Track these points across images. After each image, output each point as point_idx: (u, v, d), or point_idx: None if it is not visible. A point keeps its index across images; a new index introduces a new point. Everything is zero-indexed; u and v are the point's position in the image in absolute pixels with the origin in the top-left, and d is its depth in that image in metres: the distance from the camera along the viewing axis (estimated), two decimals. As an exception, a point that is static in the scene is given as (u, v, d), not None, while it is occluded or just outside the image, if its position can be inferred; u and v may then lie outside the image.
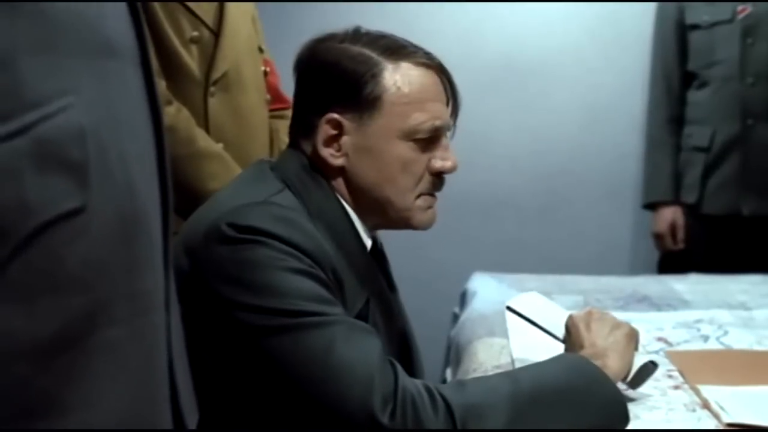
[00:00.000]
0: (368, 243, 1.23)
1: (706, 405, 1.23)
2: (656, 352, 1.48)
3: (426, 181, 1.21)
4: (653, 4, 2.82)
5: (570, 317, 1.27)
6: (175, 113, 1.54)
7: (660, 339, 1.60)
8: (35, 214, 0.43)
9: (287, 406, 1.01)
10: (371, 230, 1.24)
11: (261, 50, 1.78)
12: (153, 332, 0.51)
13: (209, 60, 1.60)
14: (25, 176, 0.43)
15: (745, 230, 2.62)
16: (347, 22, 1.23)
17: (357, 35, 1.20)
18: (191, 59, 1.58)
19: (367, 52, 1.17)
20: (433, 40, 1.34)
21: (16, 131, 0.43)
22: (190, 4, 1.58)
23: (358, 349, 1.01)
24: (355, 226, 1.20)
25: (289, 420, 1.02)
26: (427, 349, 1.50)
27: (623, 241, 3.10)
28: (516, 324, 1.46)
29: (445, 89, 1.22)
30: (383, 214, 1.21)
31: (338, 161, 1.18)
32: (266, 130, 1.77)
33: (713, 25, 2.63)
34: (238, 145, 1.64)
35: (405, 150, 1.18)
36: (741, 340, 1.60)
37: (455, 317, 2.08)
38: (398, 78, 1.17)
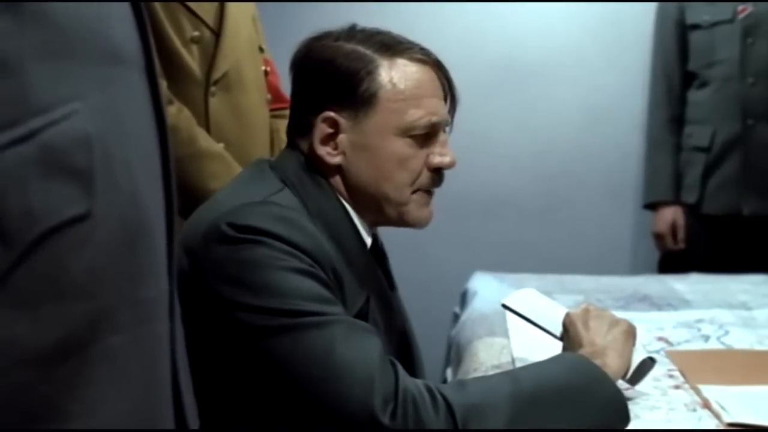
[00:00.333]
0: (368, 241, 1.23)
1: (706, 405, 1.23)
2: (657, 352, 1.48)
3: (424, 177, 1.21)
4: (654, 5, 2.82)
5: (567, 315, 1.27)
6: (176, 113, 1.54)
7: (661, 339, 1.60)
8: (40, 220, 0.43)
9: (288, 406, 1.01)
10: (371, 228, 1.24)
11: (261, 50, 1.78)
12: (156, 340, 0.51)
13: (210, 60, 1.60)
14: (30, 182, 0.43)
15: (745, 230, 2.62)
16: (347, 22, 1.23)
17: (352, 33, 1.20)
18: (192, 59, 1.58)
19: (362, 49, 1.17)
20: (434, 40, 1.33)
21: (21, 137, 0.43)
22: (191, 4, 1.58)
23: (358, 348, 1.01)
24: (355, 225, 1.20)
25: (290, 420, 1.02)
26: (428, 348, 1.50)
27: (624, 241, 3.10)
28: (516, 323, 1.46)
29: (442, 85, 1.22)
30: (380, 210, 1.21)
31: (335, 159, 1.18)
32: (267, 130, 1.77)
33: (714, 25, 2.63)
34: (238, 144, 1.64)
35: (402, 146, 1.18)
36: (742, 339, 1.60)
37: (456, 317, 2.08)
38: (394, 74, 1.17)
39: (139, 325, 0.49)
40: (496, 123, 3.06)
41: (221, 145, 1.61)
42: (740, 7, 2.60)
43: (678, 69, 2.71)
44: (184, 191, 1.50)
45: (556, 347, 1.28)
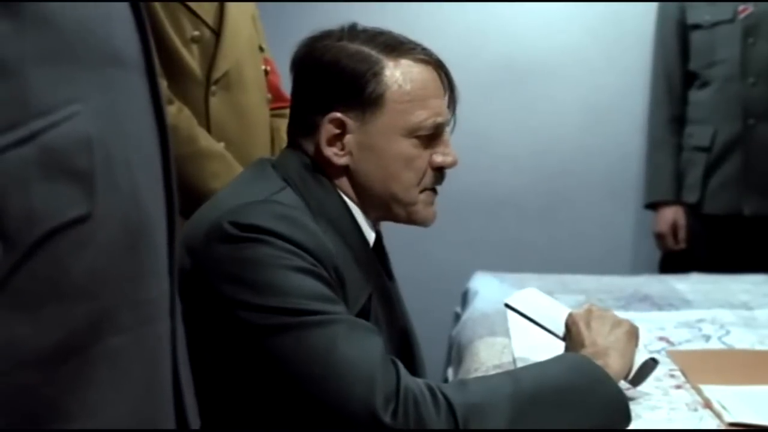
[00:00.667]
0: (371, 237, 1.23)
1: (708, 404, 1.23)
2: (658, 352, 1.47)
3: (428, 176, 1.22)
4: (654, 4, 2.82)
5: (570, 315, 1.27)
6: (176, 113, 1.54)
7: (662, 338, 1.60)
8: (41, 221, 0.43)
9: (289, 405, 1.01)
10: (375, 223, 1.25)
11: (261, 49, 1.78)
12: (157, 341, 0.51)
13: (210, 59, 1.60)
14: (31, 184, 0.43)
15: (746, 230, 2.62)
16: (347, 22, 1.23)
17: (354, 33, 1.20)
18: (192, 59, 1.58)
19: (367, 49, 1.17)
20: (434, 40, 1.33)
21: (22, 139, 0.43)
22: (191, 4, 1.58)
23: (360, 347, 1.01)
24: (357, 222, 1.20)
25: (291, 419, 1.02)
26: (429, 348, 1.50)
27: (625, 241, 3.10)
28: (518, 323, 1.46)
29: (443, 84, 1.23)
30: (389, 209, 1.22)
31: (342, 160, 1.18)
32: (267, 129, 1.77)
33: (714, 24, 2.63)
34: (239, 144, 1.64)
35: (408, 147, 1.19)
36: (743, 339, 1.60)
37: (457, 317, 2.08)
38: (399, 75, 1.17)
39: (140, 326, 0.49)
40: (497, 123, 3.06)
41: (222, 144, 1.61)
42: (741, 7, 2.60)
43: (679, 69, 2.71)
44: (184, 191, 1.50)
45: (557, 347, 1.27)
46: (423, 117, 1.18)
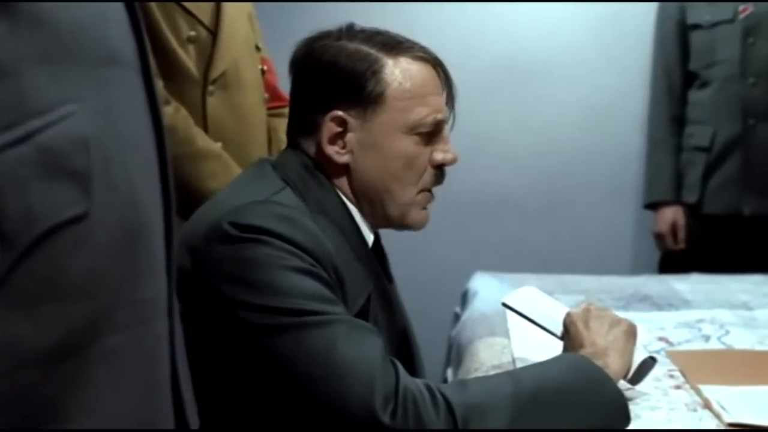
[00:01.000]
0: (370, 238, 1.23)
1: (707, 405, 1.23)
2: (657, 352, 1.47)
3: (428, 175, 1.23)
4: (654, 5, 2.82)
5: (568, 315, 1.27)
6: (173, 113, 1.53)
7: (661, 339, 1.60)
8: (38, 221, 0.43)
9: (288, 406, 1.01)
10: (372, 229, 1.25)
11: (258, 49, 1.78)
12: (155, 340, 0.51)
13: (207, 59, 1.60)
14: (29, 183, 0.43)
15: (746, 230, 2.62)
16: (347, 22, 1.23)
17: (352, 32, 1.20)
18: (189, 59, 1.58)
19: (366, 48, 1.18)
20: (435, 40, 1.34)
21: (19, 139, 0.43)
22: (187, 4, 1.57)
23: (359, 348, 1.01)
24: (356, 223, 1.20)
25: (291, 419, 1.02)
26: (429, 348, 1.50)
27: (624, 241, 3.10)
28: (517, 324, 1.46)
29: (441, 82, 1.24)
30: (383, 209, 1.22)
31: (343, 158, 1.18)
32: (265, 129, 1.77)
33: (714, 25, 2.63)
34: (237, 143, 1.64)
35: (408, 144, 1.19)
36: (742, 339, 1.60)
37: (456, 317, 2.08)
38: (399, 73, 1.18)
39: (138, 325, 0.49)
40: (497, 123, 3.06)
41: (219, 144, 1.61)
42: (741, 7, 2.60)
43: (679, 69, 2.71)
44: (182, 191, 1.50)
45: (556, 347, 1.27)
46: (423, 114, 1.19)
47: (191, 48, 1.59)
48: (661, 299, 1.95)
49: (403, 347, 1.30)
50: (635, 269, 2.90)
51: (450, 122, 1.26)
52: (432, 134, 1.21)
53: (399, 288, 1.37)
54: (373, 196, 1.21)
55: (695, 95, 2.69)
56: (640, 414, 1.19)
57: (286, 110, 1.27)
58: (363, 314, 1.15)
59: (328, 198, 1.18)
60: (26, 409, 0.44)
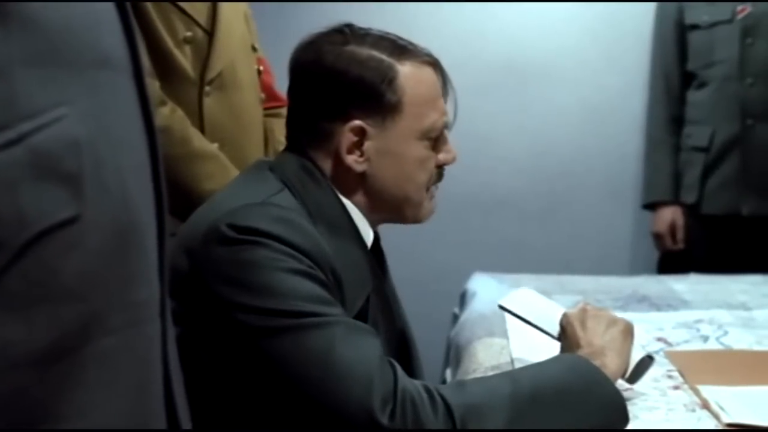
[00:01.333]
0: (369, 239, 1.23)
1: (705, 405, 1.23)
2: (656, 352, 1.47)
3: (433, 175, 1.24)
4: (653, 5, 2.82)
5: (565, 315, 1.27)
6: (169, 114, 1.53)
7: (660, 339, 1.60)
8: (30, 224, 0.43)
9: (287, 407, 1.01)
10: (374, 225, 1.25)
11: (254, 49, 1.78)
12: (147, 342, 0.51)
13: (204, 60, 1.60)
14: (20, 186, 0.43)
15: (744, 230, 2.62)
16: (345, 22, 1.22)
17: (358, 35, 1.19)
18: (185, 59, 1.58)
19: (377, 54, 1.17)
20: (433, 40, 1.34)
21: (10, 141, 0.43)
22: (183, 4, 1.57)
23: (357, 349, 1.01)
24: (355, 224, 1.20)
25: (289, 420, 1.02)
26: (427, 349, 1.50)
27: (623, 242, 3.10)
28: (516, 324, 1.46)
29: (442, 84, 1.24)
30: (399, 211, 1.24)
31: (361, 167, 1.18)
32: (261, 129, 1.77)
33: (713, 25, 2.63)
34: (234, 144, 1.64)
35: (421, 149, 1.21)
36: (741, 340, 1.60)
37: (455, 318, 2.07)
38: (411, 79, 1.18)
39: (131, 327, 0.49)
40: (495, 124, 3.06)
41: (216, 145, 1.61)
42: (739, 7, 2.60)
43: (677, 69, 2.71)
44: (178, 192, 1.50)
45: (555, 348, 1.28)
46: (435, 118, 1.20)
47: (187, 48, 1.58)
48: (660, 300, 1.95)
49: (401, 348, 1.30)
50: (634, 269, 2.90)
51: (451, 122, 1.27)
52: (438, 137, 1.23)
53: (398, 288, 1.37)
54: (390, 201, 1.21)
55: (694, 95, 2.69)
56: (638, 414, 1.19)
57: (283, 110, 1.27)
58: (362, 315, 1.15)
59: (326, 200, 1.18)
60: (18, 410, 0.44)
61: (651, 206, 2.77)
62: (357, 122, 1.16)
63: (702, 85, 2.67)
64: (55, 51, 0.46)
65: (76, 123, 0.46)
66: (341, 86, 1.17)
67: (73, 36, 0.47)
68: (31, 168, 0.43)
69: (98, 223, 0.46)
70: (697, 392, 1.28)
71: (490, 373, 1.31)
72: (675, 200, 2.70)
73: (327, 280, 1.07)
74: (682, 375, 1.37)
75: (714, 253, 2.62)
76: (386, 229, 1.31)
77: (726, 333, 1.65)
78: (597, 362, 1.14)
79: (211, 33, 1.61)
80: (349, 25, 1.21)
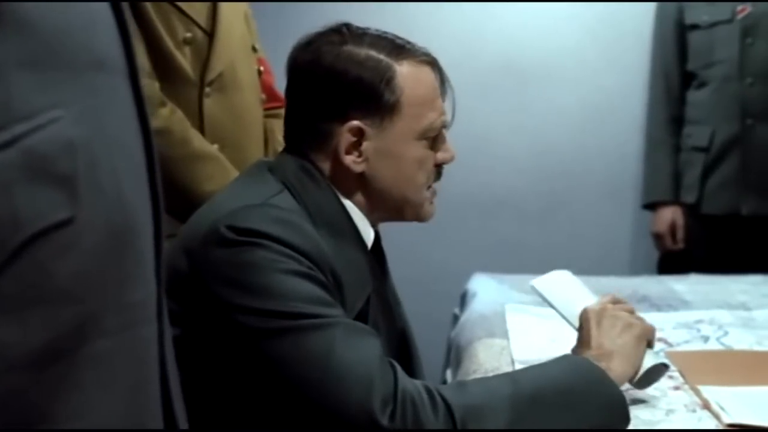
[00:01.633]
0: (370, 240, 1.23)
1: (706, 405, 1.23)
2: (657, 353, 1.48)
3: (432, 174, 1.24)
4: (653, 5, 2.82)
5: (584, 310, 1.25)
6: (169, 115, 1.53)
7: (660, 339, 1.59)
8: (24, 225, 0.43)
9: (287, 408, 1.01)
10: (374, 224, 1.25)
11: (255, 49, 1.78)
12: (143, 344, 0.51)
13: (204, 61, 1.60)
14: (15, 188, 0.43)
15: (744, 230, 2.62)
16: (338, 21, 1.22)
17: (356, 35, 1.19)
18: (185, 60, 1.58)
19: (375, 54, 1.17)
20: (433, 40, 1.33)
21: (5, 143, 0.43)
22: (182, 5, 1.57)
23: (357, 350, 1.01)
24: (355, 225, 1.20)
25: (289, 422, 1.02)
26: (428, 350, 1.50)
27: (623, 242, 3.10)
28: (516, 325, 1.45)
29: (440, 83, 1.24)
30: (399, 211, 1.23)
31: (360, 167, 1.18)
32: (261, 130, 1.77)
33: (713, 25, 2.63)
34: (234, 145, 1.64)
35: (420, 149, 1.20)
36: (741, 340, 1.60)
37: (455, 318, 2.07)
38: (409, 79, 1.18)
39: (126, 329, 0.49)
40: (495, 124, 3.06)
41: (216, 146, 1.61)
42: (739, 7, 2.60)
43: (677, 69, 2.71)
44: (178, 193, 1.50)
45: (556, 348, 1.27)
46: (433, 118, 1.20)
47: (187, 49, 1.58)
48: (660, 300, 1.95)
49: (402, 349, 1.30)
50: (634, 270, 2.90)
51: (450, 121, 1.27)
52: (436, 136, 1.22)
53: (398, 289, 1.37)
54: (389, 201, 1.21)
55: (693, 95, 2.69)
56: (638, 414, 1.19)
57: (283, 111, 1.27)
58: (362, 316, 1.15)
59: (326, 201, 1.18)
60: (14, 412, 0.44)
61: (651, 206, 2.77)
62: (355, 123, 1.16)
63: (702, 85, 2.66)
64: (50, 53, 0.46)
65: (71, 124, 0.46)
66: (339, 87, 1.16)
67: (69, 37, 0.47)
68: (25, 170, 0.43)
69: (93, 225, 0.46)
70: (697, 392, 1.28)
71: (491, 374, 1.30)
72: (675, 200, 2.70)
73: (327, 282, 1.07)
74: (682, 375, 1.37)
75: (714, 253, 2.62)
76: (386, 230, 1.31)
77: (726, 333, 1.64)
78: (602, 364, 1.13)
79: (211, 34, 1.61)
80: (347, 25, 1.21)
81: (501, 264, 2.53)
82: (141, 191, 0.52)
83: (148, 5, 1.52)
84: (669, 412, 1.22)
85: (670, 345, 1.57)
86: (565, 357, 1.20)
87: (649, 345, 1.24)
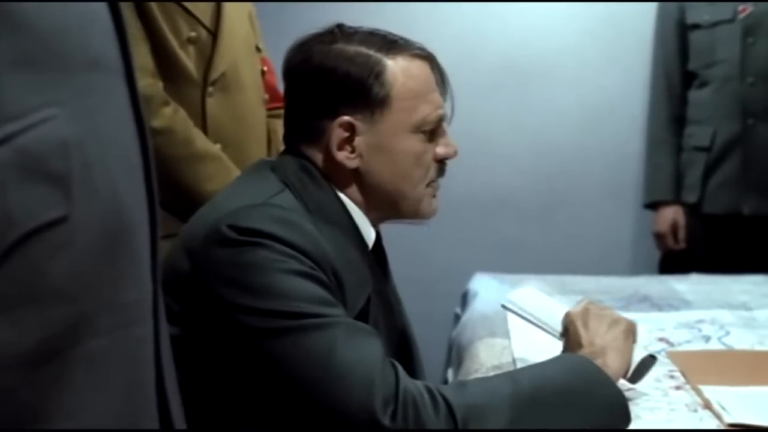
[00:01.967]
0: (371, 239, 1.23)
1: (707, 405, 1.23)
2: (658, 353, 1.47)
3: (432, 170, 1.24)
4: (654, 5, 2.82)
5: (567, 314, 1.27)
6: (172, 114, 1.53)
7: (661, 339, 1.60)
8: (17, 224, 0.43)
9: (288, 408, 1.01)
10: (375, 224, 1.24)
11: (258, 49, 1.78)
12: (138, 343, 0.51)
13: (207, 60, 1.60)
14: (8, 186, 0.43)
15: (746, 230, 2.62)
16: (345, 22, 1.23)
17: (347, 34, 1.20)
18: (189, 59, 1.58)
19: (365, 50, 1.17)
20: (434, 40, 1.33)
21: None
22: (187, 4, 1.57)
23: (359, 350, 1.01)
24: (356, 224, 1.20)
25: (290, 422, 1.02)
26: (429, 349, 1.50)
27: (624, 241, 3.10)
28: (517, 324, 1.46)
29: (437, 77, 1.24)
30: (396, 208, 1.23)
31: (353, 163, 1.18)
32: (264, 130, 1.77)
33: (714, 24, 2.63)
34: (236, 145, 1.64)
35: (415, 143, 1.20)
36: (742, 340, 1.60)
37: (456, 318, 2.07)
38: (400, 73, 1.18)
39: (119, 329, 0.49)
40: (496, 123, 3.06)
41: (218, 146, 1.61)
42: (740, 6, 2.60)
43: (678, 69, 2.71)
44: (180, 193, 1.51)
45: (557, 348, 1.27)
46: (427, 111, 1.20)
47: (191, 49, 1.58)
48: (661, 300, 1.95)
49: (402, 348, 1.30)
50: (635, 270, 2.90)
51: (448, 117, 1.27)
52: (434, 130, 1.22)
53: (399, 289, 1.37)
54: (385, 197, 1.21)
55: (695, 95, 2.69)
56: (640, 414, 1.19)
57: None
58: (363, 316, 1.15)
59: (327, 200, 1.18)
60: (7, 411, 0.44)
61: (652, 206, 2.77)
62: (345, 118, 1.16)
63: (703, 84, 2.66)
64: (45, 52, 0.46)
65: (65, 124, 0.46)
66: (329, 83, 1.17)
67: (65, 37, 0.47)
68: (18, 168, 0.43)
69: (87, 224, 0.46)
70: (699, 392, 1.28)
71: (492, 374, 1.31)
72: (676, 200, 2.70)
73: (328, 281, 1.07)
74: (684, 375, 1.36)
75: (715, 252, 2.62)
76: (388, 229, 1.31)
77: (728, 333, 1.64)
78: (598, 362, 1.14)
79: (214, 33, 1.61)
80: (340, 25, 1.21)
81: (502, 263, 2.53)
82: (136, 191, 0.52)
83: (153, 5, 1.52)
84: (670, 411, 1.21)
85: (671, 345, 1.57)
86: (564, 356, 1.20)
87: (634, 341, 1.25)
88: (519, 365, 1.35)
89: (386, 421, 0.97)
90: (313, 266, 1.06)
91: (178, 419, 0.56)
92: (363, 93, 1.16)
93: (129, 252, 0.50)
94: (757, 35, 2.58)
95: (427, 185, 1.24)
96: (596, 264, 2.80)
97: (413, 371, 1.26)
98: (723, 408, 1.20)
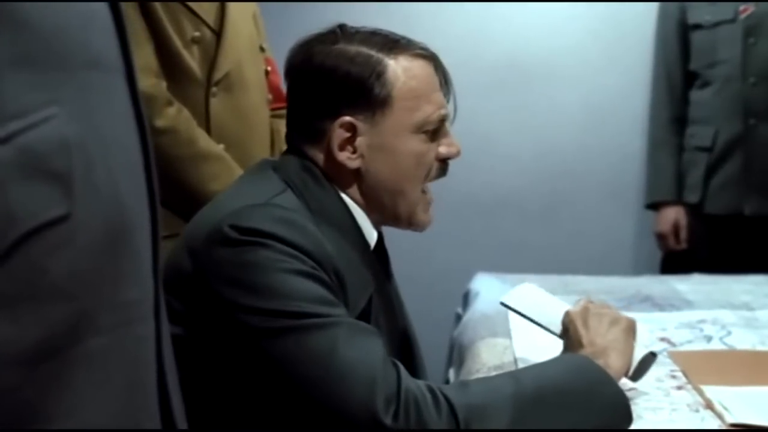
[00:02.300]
0: (373, 239, 1.23)
1: (709, 405, 1.23)
2: (659, 353, 1.47)
3: (434, 169, 1.23)
4: (655, 5, 2.82)
5: (567, 313, 1.27)
6: (175, 114, 1.53)
7: (663, 339, 1.60)
8: (19, 222, 0.43)
9: (290, 408, 1.01)
10: (376, 226, 1.25)
11: (262, 49, 1.78)
12: (138, 342, 0.51)
13: (211, 60, 1.60)
14: (9, 185, 0.43)
15: (747, 230, 2.61)
16: (348, 22, 1.23)
17: (348, 34, 1.20)
18: (192, 59, 1.58)
19: (366, 50, 1.17)
20: (436, 40, 1.33)
21: None
22: (192, 4, 1.57)
23: (360, 350, 1.01)
24: (358, 224, 1.20)
25: (292, 421, 1.02)
26: (430, 349, 1.50)
27: (626, 242, 3.10)
28: (519, 324, 1.46)
29: (440, 77, 1.24)
30: (394, 209, 1.22)
31: (355, 163, 1.18)
32: (268, 130, 1.77)
33: (715, 24, 2.63)
34: (239, 145, 1.64)
35: (417, 143, 1.20)
36: (744, 340, 1.60)
37: (458, 318, 2.07)
38: (402, 73, 1.18)
39: (120, 328, 0.49)
40: (498, 123, 3.06)
41: (221, 146, 1.61)
42: (742, 6, 2.60)
43: (680, 69, 2.71)
44: (183, 192, 1.51)
45: (558, 347, 1.27)
46: (429, 111, 1.19)
47: (195, 49, 1.59)
48: (663, 300, 1.95)
49: (404, 348, 1.30)
50: (636, 270, 2.90)
51: (451, 116, 1.26)
52: (436, 130, 1.22)
53: (400, 289, 1.37)
54: (385, 197, 1.21)
55: (696, 95, 2.69)
56: (642, 414, 1.19)
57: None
58: (364, 316, 1.15)
59: (329, 200, 1.18)
60: (6, 410, 0.44)
61: (654, 206, 2.77)
62: (346, 118, 1.16)
63: (705, 84, 2.66)
64: (46, 51, 0.46)
65: (66, 123, 0.46)
66: (330, 84, 1.17)
67: (65, 37, 0.47)
68: (19, 167, 0.43)
69: (88, 223, 0.46)
70: (700, 392, 1.28)
71: (494, 373, 1.31)
72: (678, 200, 2.70)
73: (330, 281, 1.07)
74: (685, 375, 1.36)
75: (717, 252, 2.62)
76: (389, 229, 1.31)
77: (729, 333, 1.64)
78: (600, 362, 1.14)
79: (219, 33, 1.61)
80: (342, 25, 1.21)
81: (504, 263, 2.53)
82: (138, 190, 0.52)
83: (157, 4, 1.52)
84: (672, 411, 1.22)
85: (673, 345, 1.57)
86: (566, 356, 1.21)
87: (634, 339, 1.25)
88: (520, 365, 1.35)
89: (388, 420, 0.97)
90: (314, 266, 1.06)
91: (180, 419, 0.56)
92: (364, 93, 1.16)
93: (130, 251, 0.50)
94: (758, 35, 2.58)
95: (423, 192, 1.23)
96: (598, 264, 2.80)
97: (415, 371, 1.26)
98: (725, 408, 1.20)
